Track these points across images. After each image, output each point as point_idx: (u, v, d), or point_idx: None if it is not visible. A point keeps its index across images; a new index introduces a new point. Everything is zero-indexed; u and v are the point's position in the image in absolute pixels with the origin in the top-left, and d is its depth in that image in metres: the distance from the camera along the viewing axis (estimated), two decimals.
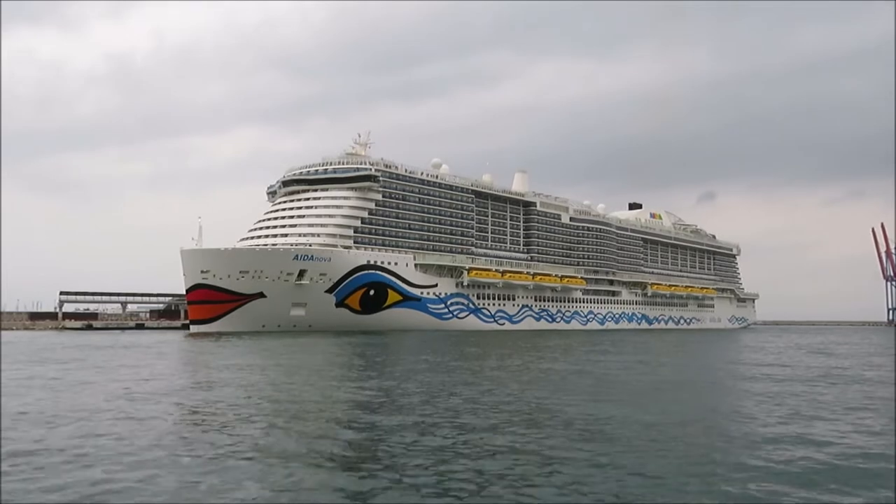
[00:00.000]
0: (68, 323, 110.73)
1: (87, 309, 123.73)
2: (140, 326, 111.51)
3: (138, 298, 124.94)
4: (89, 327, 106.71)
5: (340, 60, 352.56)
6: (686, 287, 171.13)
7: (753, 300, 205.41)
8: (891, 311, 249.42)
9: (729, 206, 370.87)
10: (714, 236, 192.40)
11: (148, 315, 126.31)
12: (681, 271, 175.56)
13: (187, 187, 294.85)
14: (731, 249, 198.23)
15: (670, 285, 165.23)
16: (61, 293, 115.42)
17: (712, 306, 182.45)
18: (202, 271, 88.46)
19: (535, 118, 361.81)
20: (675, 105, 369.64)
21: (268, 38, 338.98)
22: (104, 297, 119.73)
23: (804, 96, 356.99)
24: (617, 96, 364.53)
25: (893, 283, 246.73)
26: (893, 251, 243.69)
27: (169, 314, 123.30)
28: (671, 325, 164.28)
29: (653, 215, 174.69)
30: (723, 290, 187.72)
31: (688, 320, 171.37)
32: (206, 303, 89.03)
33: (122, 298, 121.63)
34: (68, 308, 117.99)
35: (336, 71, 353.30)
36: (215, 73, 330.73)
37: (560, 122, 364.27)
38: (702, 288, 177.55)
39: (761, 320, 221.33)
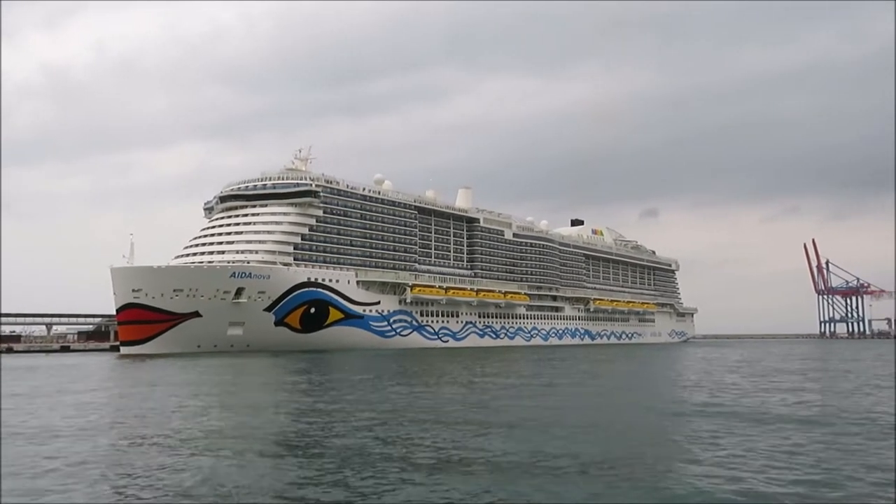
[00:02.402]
0: None
1: (13, 331, 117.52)
2: (65, 349, 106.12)
3: (65, 319, 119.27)
4: (10, 350, 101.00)
5: (288, 74, 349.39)
6: (627, 302, 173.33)
7: (692, 315, 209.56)
8: (822, 324, 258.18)
9: (671, 222, 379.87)
10: (654, 252, 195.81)
11: (76, 337, 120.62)
12: (622, 287, 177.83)
13: (129, 203, 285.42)
14: (671, 265, 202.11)
15: (612, 300, 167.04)
16: None
17: (653, 321, 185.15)
18: (133, 290, 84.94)
19: (480, 135, 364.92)
20: (620, 122, 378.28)
21: (213, 51, 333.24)
22: (27, 319, 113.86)
23: (745, 114, 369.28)
24: (562, 113, 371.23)
25: (825, 296, 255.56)
26: (825, 266, 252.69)
27: (98, 335, 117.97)
28: (613, 340, 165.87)
29: (594, 231, 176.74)
30: (663, 304, 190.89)
31: (629, 335, 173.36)
32: (138, 323, 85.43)
33: (48, 319, 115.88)
34: None
35: (284, 85, 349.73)
36: (158, 85, 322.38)
37: (505, 138, 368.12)
38: (642, 303, 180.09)
39: (700, 334, 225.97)
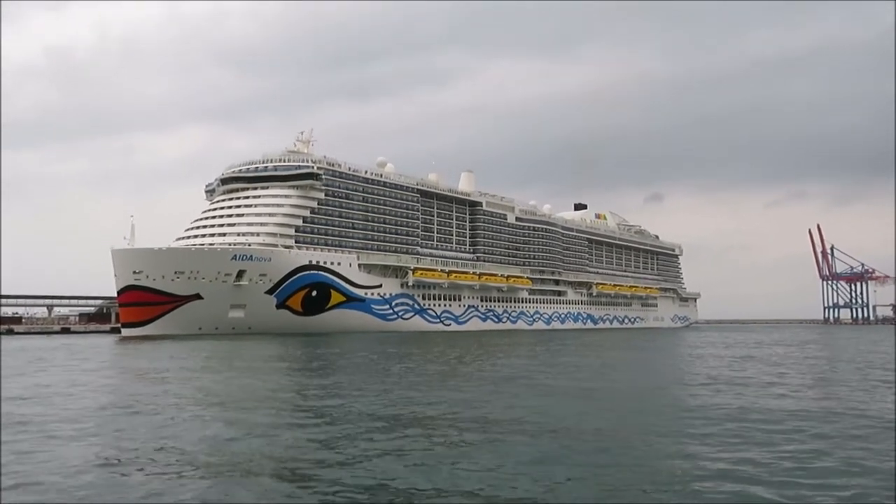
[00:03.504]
0: None
1: (15, 313, 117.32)
2: (66, 330, 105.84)
3: (66, 301, 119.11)
4: (10, 332, 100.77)
5: (292, 57, 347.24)
6: (630, 287, 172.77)
7: (695, 299, 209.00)
8: (826, 310, 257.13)
9: (676, 207, 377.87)
10: (657, 237, 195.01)
11: (77, 319, 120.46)
12: (625, 271, 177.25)
13: (131, 186, 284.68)
14: (674, 250, 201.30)
15: (615, 285, 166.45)
16: None
17: (656, 306, 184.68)
18: (135, 272, 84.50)
19: (483, 118, 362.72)
20: (624, 106, 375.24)
21: (217, 33, 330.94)
22: (28, 300, 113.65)
23: (750, 98, 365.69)
24: (566, 96, 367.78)
25: (829, 282, 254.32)
26: (829, 251, 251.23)
27: (99, 317, 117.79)
28: (616, 324, 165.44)
29: (598, 216, 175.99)
30: (666, 289, 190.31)
31: (632, 319, 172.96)
32: (139, 305, 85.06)
33: (49, 301, 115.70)
34: None
35: (287, 68, 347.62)
36: (161, 68, 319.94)
37: (508, 122, 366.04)
38: (645, 287, 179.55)
39: (703, 319, 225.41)
